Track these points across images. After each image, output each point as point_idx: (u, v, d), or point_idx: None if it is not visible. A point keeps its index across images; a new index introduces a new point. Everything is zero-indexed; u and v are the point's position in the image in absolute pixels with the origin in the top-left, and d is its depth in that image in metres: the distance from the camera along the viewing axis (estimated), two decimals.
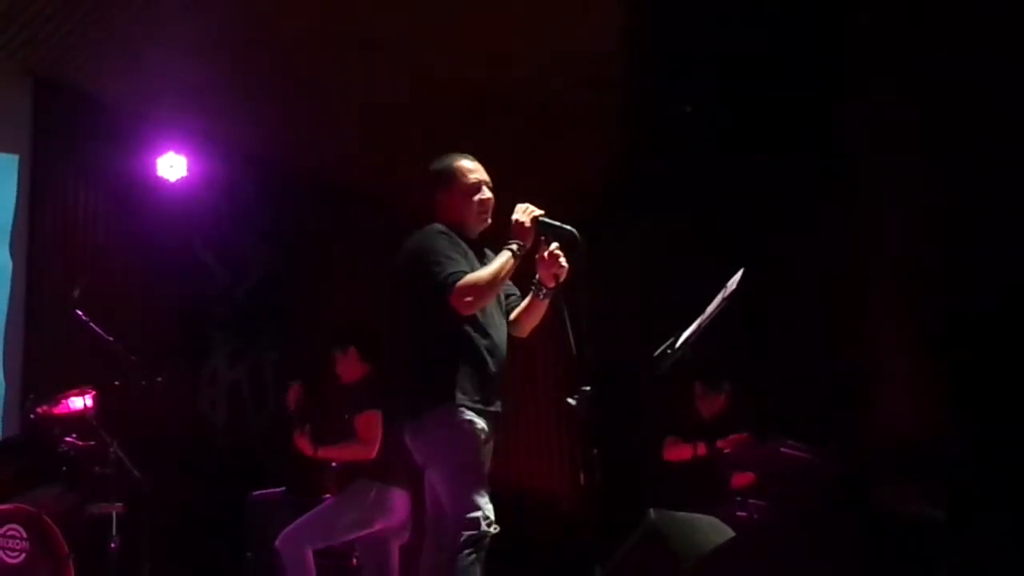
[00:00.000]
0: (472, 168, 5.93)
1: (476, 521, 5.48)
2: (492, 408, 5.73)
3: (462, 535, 5.49)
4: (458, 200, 5.89)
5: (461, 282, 5.55)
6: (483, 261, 5.75)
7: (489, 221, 5.88)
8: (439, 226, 5.83)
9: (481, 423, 5.63)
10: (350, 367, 8.17)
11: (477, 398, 5.65)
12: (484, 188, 5.88)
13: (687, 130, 10.38)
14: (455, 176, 5.91)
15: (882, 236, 9.80)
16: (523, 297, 5.99)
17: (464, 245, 5.77)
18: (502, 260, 5.65)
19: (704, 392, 9.14)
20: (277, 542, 7.80)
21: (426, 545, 5.86)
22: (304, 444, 7.90)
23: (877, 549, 4.40)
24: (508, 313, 5.97)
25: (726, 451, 8.60)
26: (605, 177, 11.17)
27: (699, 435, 8.76)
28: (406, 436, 5.82)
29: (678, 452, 8.96)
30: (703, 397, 9.14)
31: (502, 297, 5.91)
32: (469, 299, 5.57)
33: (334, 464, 7.99)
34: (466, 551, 5.48)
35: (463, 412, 5.59)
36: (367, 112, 10.36)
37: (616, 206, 11.13)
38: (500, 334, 5.86)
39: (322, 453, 7.79)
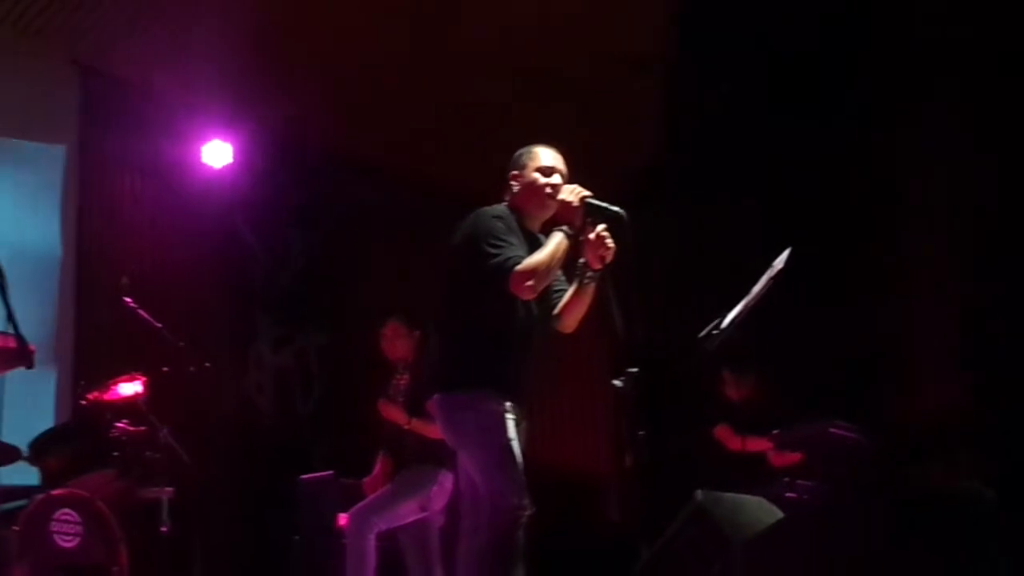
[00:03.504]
0: (550, 155, 5.92)
1: (511, 503, 5.50)
2: (523, 397, 5.75)
3: (499, 517, 5.52)
4: (526, 183, 5.89)
5: (520, 266, 5.55)
6: (535, 251, 5.74)
7: (553, 209, 5.86)
8: (497, 208, 5.84)
9: (512, 408, 5.65)
10: (395, 342, 8.19)
11: (510, 386, 5.68)
12: (556, 175, 5.88)
13: (730, 108, 10.37)
14: (529, 158, 5.92)
15: (929, 212, 9.77)
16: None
17: (519, 231, 5.77)
18: (556, 241, 5.66)
19: (732, 379, 9.28)
20: (343, 522, 7.87)
21: (462, 529, 5.88)
22: (396, 413, 7.89)
23: (927, 529, 4.40)
24: (553, 307, 5.96)
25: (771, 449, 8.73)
26: (650, 156, 11.16)
27: (739, 423, 8.81)
28: (436, 411, 5.84)
29: (727, 437, 9.04)
30: (731, 383, 9.28)
31: (549, 292, 5.91)
32: (529, 283, 5.57)
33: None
34: (504, 533, 5.51)
35: (495, 397, 5.61)
36: (411, 96, 10.38)
37: (661, 186, 11.12)
38: (540, 326, 5.87)
39: (416, 425, 7.76)
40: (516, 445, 5.64)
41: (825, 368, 9.79)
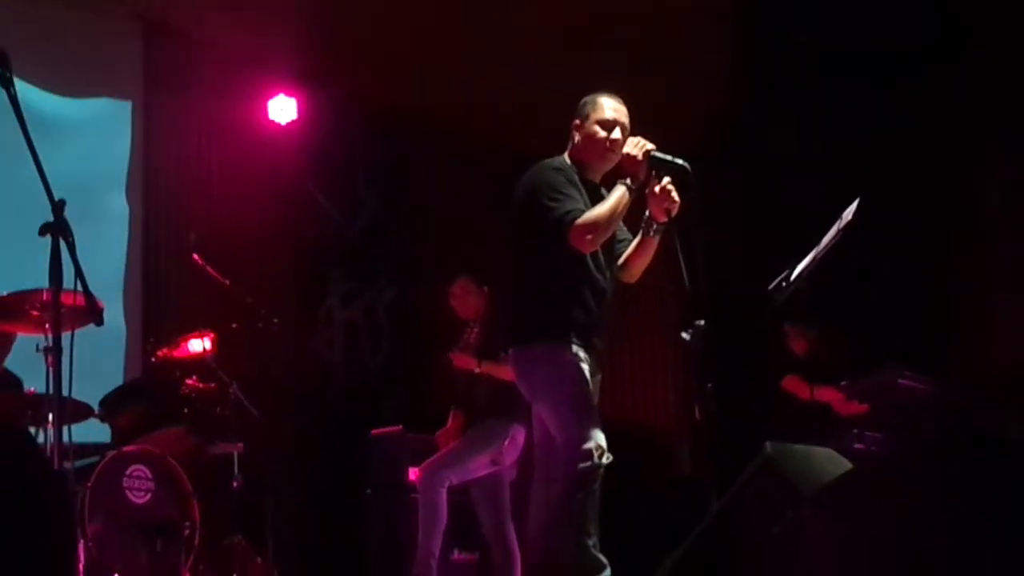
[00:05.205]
0: (612, 106, 5.89)
1: (589, 452, 5.51)
2: (596, 346, 5.74)
3: (575, 468, 5.52)
4: (587, 135, 5.86)
5: (580, 220, 5.55)
6: (595, 202, 5.72)
7: (613, 162, 5.84)
8: (556, 161, 5.84)
9: (586, 358, 5.65)
10: (466, 299, 8.20)
11: (582, 335, 5.67)
12: (617, 129, 5.84)
13: (802, 59, 10.27)
14: (593, 108, 5.89)
15: (1000, 161, 9.66)
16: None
17: (579, 182, 5.75)
18: (617, 195, 5.64)
19: (794, 333, 9.26)
20: (414, 476, 7.91)
21: (536, 480, 5.90)
22: (467, 360, 7.91)
23: (999, 479, 4.34)
24: (618, 257, 5.95)
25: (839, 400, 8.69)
26: (719, 107, 11.08)
27: (806, 376, 8.78)
28: (512, 366, 5.86)
29: (796, 387, 9.00)
30: (794, 338, 9.27)
31: (613, 242, 5.90)
32: (589, 237, 5.58)
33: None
34: (579, 485, 5.51)
35: (570, 348, 5.62)
36: (476, 49, 10.33)
37: (730, 136, 11.04)
38: (607, 276, 5.86)
39: (485, 368, 7.78)
40: (592, 396, 5.66)
41: (896, 319, 9.71)
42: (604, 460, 5.53)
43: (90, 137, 9.58)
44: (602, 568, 5.55)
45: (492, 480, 7.86)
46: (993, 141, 9.72)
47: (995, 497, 4.22)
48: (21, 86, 4.63)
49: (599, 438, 5.55)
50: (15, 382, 7.26)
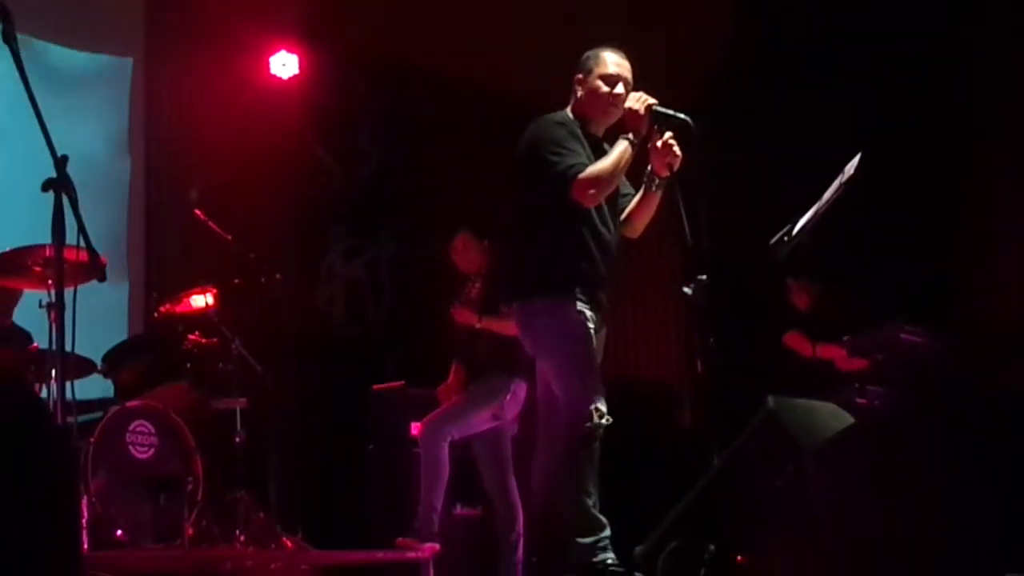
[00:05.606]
0: (615, 60, 5.89)
1: (590, 413, 5.51)
2: (600, 301, 5.75)
3: (577, 427, 5.52)
4: (589, 90, 5.85)
5: (583, 174, 5.55)
6: (598, 157, 5.72)
7: (615, 117, 5.83)
8: (558, 115, 5.83)
9: (591, 315, 5.65)
10: (467, 254, 8.19)
11: (587, 291, 5.68)
12: (620, 84, 5.83)
13: (803, 6, 10.23)
14: (595, 63, 5.88)
15: (1004, 120, 9.64)
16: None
17: (582, 137, 5.74)
18: (620, 150, 5.64)
19: (796, 288, 9.27)
20: (416, 431, 7.92)
21: (540, 439, 5.91)
22: (467, 315, 7.92)
23: (1000, 434, 4.36)
24: (621, 212, 5.95)
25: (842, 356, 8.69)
26: (720, 59, 11.03)
27: (808, 331, 8.79)
28: (515, 319, 5.87)
29: (798, 343, 9.00)
30: (796, 292, 9.28)
31: (617, 196, 5.89)
32: (592, 191, 5.58)
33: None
34: (580, 442, 5.52)
35: (574, 303, 5.62)
36: (479, 2, 10.29)
37: (731, 89, 11.00)
38: (612, 231, 5.86)
39: (485, 324, 7.78)
40: (595, 355, 5.66)
41: (898, 273, 9.71)
42: (604, 422, 5.54)
43: (94, 95, 9.56)
44: (602, 527, 5.57)
45: (494, 435, 7.87)
46: (993, 141, 9.70)
47: (996, 451, 4.23)
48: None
49: (600, 396, 5.56)
50: (24, 336, 7.27)
